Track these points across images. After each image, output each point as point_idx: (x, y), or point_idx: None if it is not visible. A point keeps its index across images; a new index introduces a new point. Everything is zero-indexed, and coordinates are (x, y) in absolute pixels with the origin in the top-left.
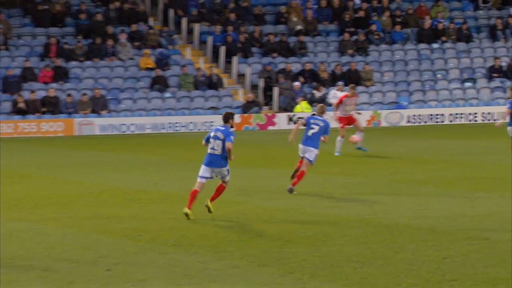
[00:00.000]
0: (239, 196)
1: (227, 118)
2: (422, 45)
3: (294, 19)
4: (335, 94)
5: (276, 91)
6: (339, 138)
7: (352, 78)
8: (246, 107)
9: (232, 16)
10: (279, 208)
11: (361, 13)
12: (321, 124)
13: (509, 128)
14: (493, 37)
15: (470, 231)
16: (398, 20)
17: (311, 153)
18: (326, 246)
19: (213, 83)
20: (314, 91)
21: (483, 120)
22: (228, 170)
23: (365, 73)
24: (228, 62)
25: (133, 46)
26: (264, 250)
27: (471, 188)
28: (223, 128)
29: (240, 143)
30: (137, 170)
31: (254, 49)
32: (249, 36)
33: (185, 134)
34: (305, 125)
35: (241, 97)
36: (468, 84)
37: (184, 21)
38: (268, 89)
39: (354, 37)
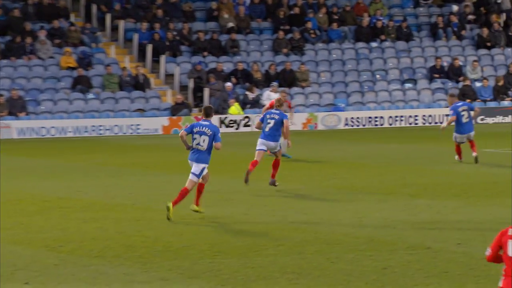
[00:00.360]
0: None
1: (209, 112)
2: (360, 44)
3: (226, 15)
4: (269, 96)
5: (206, 92)
6: None
7: (287, 79)
8: (175, 109)
9: (160, 12)
10: (210, 217)
11: (296, 10)
12: (277, 117)
13: (455, 134)
14: (434, 35)
15: (410, 240)
16: (335, 17)
17: (276, 147)
18: (259, 256)
19: (139, 84)
20: (247, 92)
21: (424, 123)
22: (204, 169)
23: (301, 73)
24: (156, 61)
25: (54, 44)
26: (194, 261)
27: (411, 195)
28: (207, 123)
29: (169, 147)
30: (59, 177)
31: (183, 48)
32: (177, 34)
33: (109, 138)
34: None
35: (169, 99)
36: (408, 85)
37: (108, 17)
38: (198, 90)
39: (289, 35)
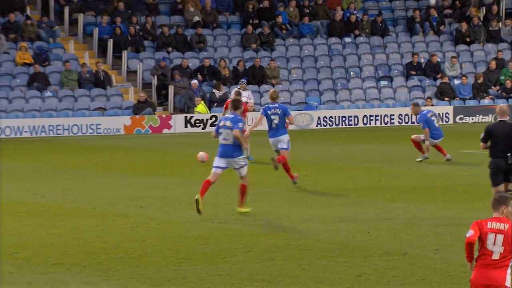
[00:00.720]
0: (129, 208)
1: (236, 105)
2: (333, 39)
3: (191, 9)
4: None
5: (171, 90)
6: None
7: (256, 76)
8: (138, 108)
9: (121, 5)
10: (175, 221)
11: (266, 3)
12: (279, 111)
13: (431, 140)
14: (411, 30)
15: (386, 246)
16: (307, 11)
17: (282, 142)
18: (227, 263)
19: (100, 81)
20: (214, 90)
21: (400, 123)
22: (244, 159)
23: (271, 70)
24: (117, 57)
25: (8, 39)
26: (157, 269)
27: (386, 198)
28: (231, 116)
29: (131, 148)
30: (14, 179)
31: (146, 43)
32: (140, 28)
33: (68, 138)
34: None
35: (132, 97)
36: (383, 83)
37: (66, 11)
38: (162, 88)
39: (258, 30)
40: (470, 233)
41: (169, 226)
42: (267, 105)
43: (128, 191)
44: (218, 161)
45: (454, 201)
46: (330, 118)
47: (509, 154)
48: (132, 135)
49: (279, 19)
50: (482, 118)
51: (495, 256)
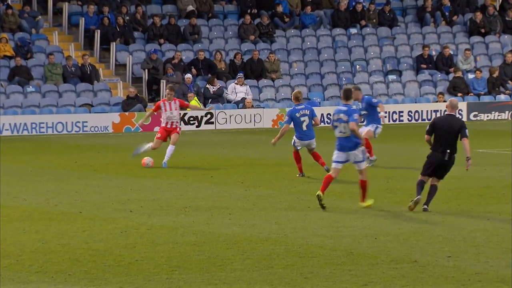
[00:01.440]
0: (118, 212)
1: (348, 95)
2: (338, 30)
3: None
4: (234, 89)
5: (163, 84)
6: (150, 145)
7: (255, 70)
8: (127, 104)
9: None
10: (167, 226)
11: None
12: (307, 111)
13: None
14: (421, 20)
15: (394, 253)
16: (309, 0)
17: (314, 143)
18: (223, 271)
19: (86, 75)
20: (208, 85)
21: (409, 120)
22: (363, 151)
23: (270, 63)
24: (105, 49)
25: None
26: (149, 277)
27: (395, 201)
28: (345, 108)
29: (120, 147)
30: None
31: (136, 34)
32: (130, 18)
33: (52, 137)
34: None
35: (121, 92)
36: (392, 77)
37: (50, 0)
38: (153, 83)
39: (257, 20)
40: None
41: (161, 231)
42: (292, 108)
43: (117, 194)
44: (337, 156)
45: (468, 205)
46: None
47: (448, 151)
48: (121, 133)
49: (280, 9)
50: (498, 115)
51: None
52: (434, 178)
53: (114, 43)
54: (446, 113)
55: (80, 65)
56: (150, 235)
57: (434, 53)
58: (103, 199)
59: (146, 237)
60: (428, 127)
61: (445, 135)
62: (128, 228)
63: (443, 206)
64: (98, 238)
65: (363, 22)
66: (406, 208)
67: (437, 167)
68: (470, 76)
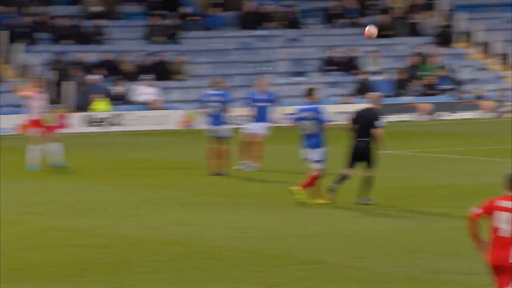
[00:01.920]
0: (23, 215)
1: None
2: (245, 32)
3: None
4: (141, 90)
5: (69, 86)
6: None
7: (162, 71)
8: None
9: None
10: (73, 229)
11: None
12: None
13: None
14: (329, 22)
15: (302, 254)
16: (217, 1)
17: None
18: (129, 274)
19: None
20: (113, 87)
21: None
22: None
23: (177, 64)
24: (10, 50)
25: None
26: (55, 279)
27: (302, 202)
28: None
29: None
30: None
31: (42, 35)
32: (36, 19)
33: None
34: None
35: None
36: (298, 79)
37: None
38: (59, 84)
39: (164, 22)
40: (476, 210)
41: (67, 234)
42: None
43: (22, 196)
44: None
45: (376, 206)
46: (242, 117)
47: (366, 139)
48: (25, 135)
49: (187, 10)
50: (402, 117)
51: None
52: (367, 170)
53: (19, 44)
54: (367, 105)
55: None
56: (56, 238)
57: (341, 55)
58: (8, 201)
59: (52, 240)
60: (351, 117)
61: (363, 125)
62: (32, 231)
63: (353, 206)
64: (2, 240)
65: (270, 24)
66: (313, 210)
67: (360, 156)
68: (376, 78)
